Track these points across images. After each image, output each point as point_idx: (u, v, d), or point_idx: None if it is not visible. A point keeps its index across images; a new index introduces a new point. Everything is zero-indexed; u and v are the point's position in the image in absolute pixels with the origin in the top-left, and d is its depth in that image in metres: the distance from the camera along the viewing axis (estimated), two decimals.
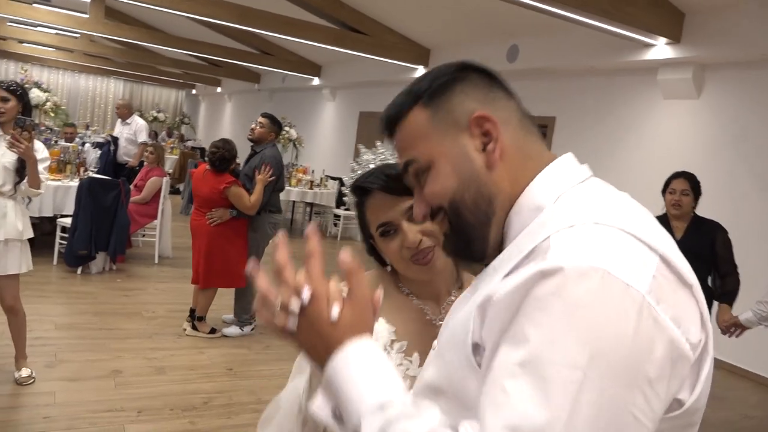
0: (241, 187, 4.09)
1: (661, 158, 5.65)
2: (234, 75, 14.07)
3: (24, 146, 2.86)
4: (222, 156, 4.05)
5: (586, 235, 0.61)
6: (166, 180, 6.04)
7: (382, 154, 1.20)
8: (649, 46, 5.40)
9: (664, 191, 3.39)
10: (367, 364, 0.65)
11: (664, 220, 3.34)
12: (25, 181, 3.00)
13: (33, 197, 3.24)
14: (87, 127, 13.41)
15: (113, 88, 18.39)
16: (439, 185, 0.74)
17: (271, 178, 4.11)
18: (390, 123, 0.79)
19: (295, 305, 0.66)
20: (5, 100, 2.94)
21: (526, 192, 0.72)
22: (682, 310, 0.59)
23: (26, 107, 3.03)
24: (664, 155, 5.62)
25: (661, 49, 5.35)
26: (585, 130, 6.45)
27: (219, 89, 17.14)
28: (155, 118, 15.35)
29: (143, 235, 6.36)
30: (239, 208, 4.08)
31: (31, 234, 3.15)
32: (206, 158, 4.17)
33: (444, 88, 0.75)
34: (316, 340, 0.67)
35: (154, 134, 13.87)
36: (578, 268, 0.57)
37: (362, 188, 1.12)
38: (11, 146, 2.87)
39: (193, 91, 19.68)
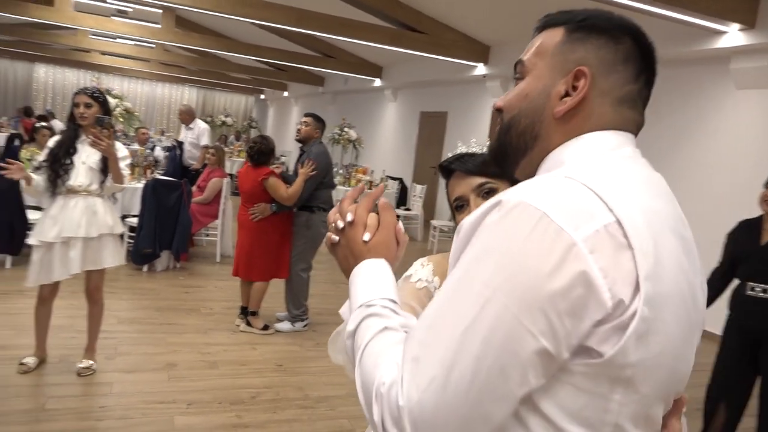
0: (278, 178, 4.17)
1: (733, 153, 5.30)
2: (299, 79, 14.38)
3: (105, 143, 3.05)
4: (260, 149, 4.20)
5: (547, 183, 0.68)
6: (226, 181, 6.23)
7: (473, 147, 1.34)
8: (720, 33, 5.08)
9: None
10: (371, 275, 0.81)
11: (756, 223, 3.00)
12: (109, 177, 3.19)
13: (118, 192, 3.45)
14: (162, 133, 14.07)
15: (187, 95, 19.22)
16: (514, 98, 0.82)
17: (312, 173, 4.16)
18: (543, 23, 0.85)
19: (340, 224, 0.85)
20: (89, 105, 3.15)
21: (561, 147, 0.78)
22: (615, 265, 0.63)
23: (107, 113, 3.23)
24: (737, 150, 5.26)
25: (733, 36, 5.01)
26: (651, 126, 6.11)
27: (286, 93, 17.56)
28: (224, 123, 15.92)
29: (207, 235, 6.58)
30: (276, 199, 4.17)
31: (121, 229, 3.37)
32: (246, 154, 4.30)
33: (590, 30, 0.79)
34: (349, 255, 0.85)
35: (223, 138, 14.39)
36: (519, 205, 0.65)
37: (443, 168, 1.31)
38: (93, 144, 3.06)
39: (262, 96, 20.27)
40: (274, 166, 4.78)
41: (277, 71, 14.41)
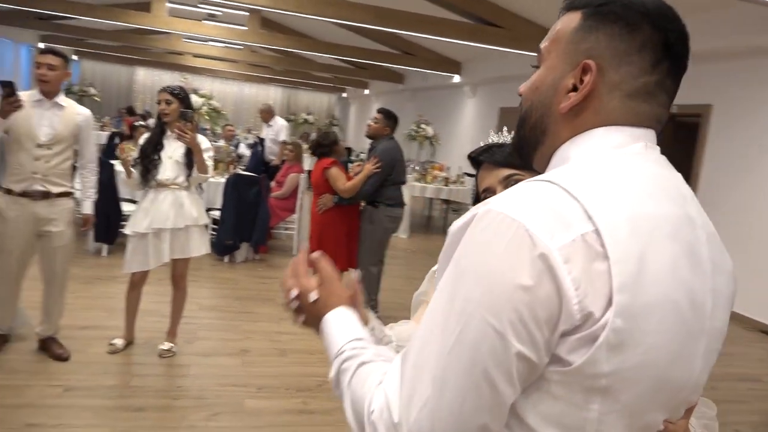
0: (340, 170, 4.30)
1: None
2: (379, 77, 14.53)
3: (190, 135, 3.25)
4: (317, 142, 4.42)
5: (527, 191, 0.67)
6: (303, 176, 6.42)
7: (504, 137, 1.35)
8: None
9: None
10: (333, 327, 0.85)
11: None
12: (195, 169, 3.40)
13: (203, 182, 3.68)
14: (249, 131, 14.66)
15: (272, 94, 19.91)
16: (528, 89, 0.81)
17: (376, 170, 4.22)
18: (567, 5, 0.80)
19: (293, 305, 0.92)
20: (169, 102, 3.36)
21: (568, 143, 0.76)
22: (589, 276, 0.62)
23: (188, 107, 3.42)
24: None
25: None
26: (747, 119, 5.74)
27: (366, 91, 17.79)
28: (305, 120, 16.36)
29: (285, 228, 6.81)
30: (335, 190, 4.28)
31: (206, 220, 3.61)
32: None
33: (604, 17, 0.74)
34: (312, 320, 0.90)
35: (305, 135, 14.80)
36: (497, 216, 0.65)
37: (473, 159, 1.33)
38: (179, 137, 3.27)
39: (344, 95, 20.64)
40: (356, 163, 4.89)
41: (358, 69, 14.63)
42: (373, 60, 11.45)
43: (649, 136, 0.75)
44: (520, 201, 0.65)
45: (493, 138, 1.36)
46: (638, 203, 0.67)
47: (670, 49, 0.74)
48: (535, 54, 0.82)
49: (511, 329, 0.62)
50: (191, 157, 3.38)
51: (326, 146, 4.39)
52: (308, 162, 8.72)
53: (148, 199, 3.41)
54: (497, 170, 1.26)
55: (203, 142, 3.44)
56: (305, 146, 8.21)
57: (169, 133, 3.39)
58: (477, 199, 1.37)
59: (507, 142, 1.30)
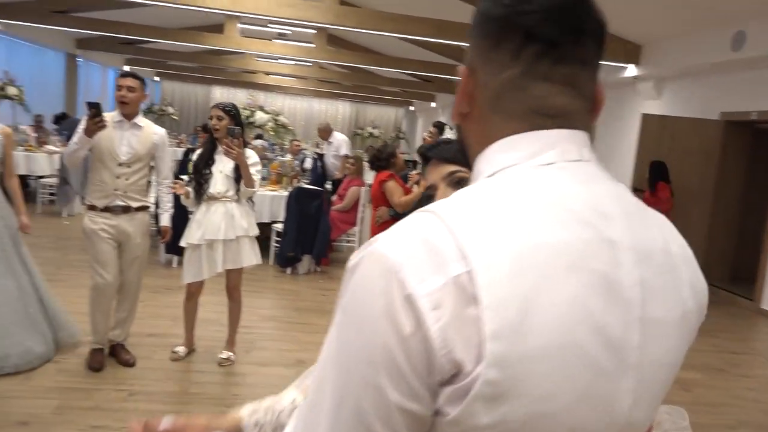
0: (398, 183, 4.33)
1: None
2: (445, 89, 14.53)
3: (236, 151, 3.37)
4: (375, 156, 4.53)
5: (413, 226, 0.61)
6: (365, 189, 6.48)
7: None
8: None
9: None
10: None
11: None
12: (243, 183, 3.52)
13: (250, 196, 3.80)
14: (317, 145, 15.02)
15: (341, 109, 20.33)
16: None
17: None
18: None
19: None
20: (220, 118, 3.50)
21: (479, 155, 0.71)
22: (459, 324, 0.56)
23: (238, 124, 3.53)
24: None
25: None
26: None
27: (433, 104, 17.81)
28: (371, 134, 16.55)
29: (347, 241, 6.90)
30: (390, 203, 4.31)
31: (256, 231, 3.70)
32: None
33: (479, 17, 0.71)
34: None
35: (371, 148, 14.99)
36: (373, 258, 0.60)
37: (421, 155, 1.35)
38: (226, 153, 3.40)
39: (411, 108, 20.75)
40: (415, 171, 4.93)
41: (424, 83, 14.71)
42: (437, 73, 11.48)
43: (572, 138, 0.68)
44: (400, 241, 0.60)
45: (449, 135, 1.34)
46: (531, 232, 0.60)
47: (530, 33, 0.66)
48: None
49: (389, 382, 0.57)
50: (240, 172, 3.49)
51: (384, 159, 4.46)
52: (370, 175, 8.83)
53: (201, 211, 3.54)
54: (442, 166, 1.23)
55: (251, 156, 3.54)
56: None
57: (220, 148, 3.53)
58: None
59: (456, 139, 1.28)
